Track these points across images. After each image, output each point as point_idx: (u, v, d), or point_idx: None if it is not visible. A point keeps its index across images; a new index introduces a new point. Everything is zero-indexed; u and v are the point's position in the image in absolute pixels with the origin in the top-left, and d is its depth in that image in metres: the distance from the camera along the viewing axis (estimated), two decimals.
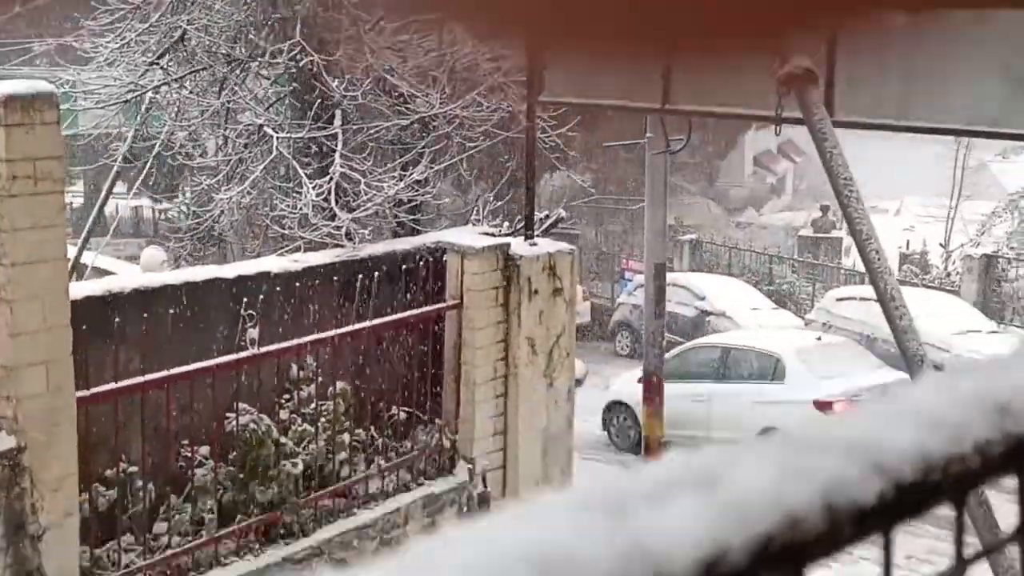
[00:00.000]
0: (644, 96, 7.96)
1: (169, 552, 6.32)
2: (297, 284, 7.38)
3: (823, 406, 16.37)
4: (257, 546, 6.74)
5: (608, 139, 27.73)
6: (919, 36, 6.65)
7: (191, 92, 9.00)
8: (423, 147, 8.67)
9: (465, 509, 7.98)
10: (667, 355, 19.60)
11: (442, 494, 8.09)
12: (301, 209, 7.96)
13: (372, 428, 7.91)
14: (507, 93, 9.20)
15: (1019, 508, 0.81)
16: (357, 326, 7.56)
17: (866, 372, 17.43)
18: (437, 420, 8.35)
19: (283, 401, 7.24)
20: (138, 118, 10.37)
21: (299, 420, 7.18)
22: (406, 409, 8.14)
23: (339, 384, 7.48)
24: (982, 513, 5.43)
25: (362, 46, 8.49)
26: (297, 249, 8.28)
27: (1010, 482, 0.85)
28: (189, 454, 6.58)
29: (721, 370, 17.63)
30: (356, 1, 8.36)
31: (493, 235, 8.73)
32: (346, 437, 7.51)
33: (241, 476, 6.76)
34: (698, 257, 30.71)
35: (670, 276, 15.17)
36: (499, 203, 9.63)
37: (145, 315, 6.16)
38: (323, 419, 7.30)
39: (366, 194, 8.24)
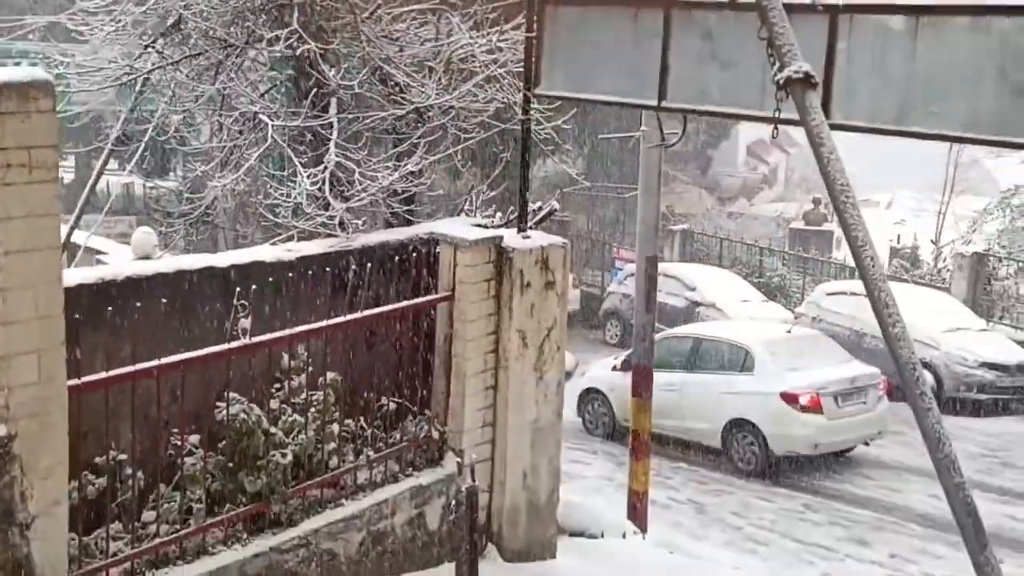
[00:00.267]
0: (641, 93, 7.96)
1: (157, 541, 6.31)
2: (290, 274, 7.36)
3: (790, 398, 16.61)
4: (244, 536, 6.74)
5: (601, 124, 27.79)
6: (918, 42, 6.66)
7: (186, 76, 8.95)
8: (418, 138, 8.64)
9: (453, 503, 7.99)
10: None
11: (430, 485, 8.11)
12: (295, 198, 7.93)
13: (362, 419, 7.91)
14: (503, 84, 9.16)
15: None
16: (349, 316, 7.56)
17: (834, 365, 17.70)
18: (427, 411, 8.37)
19: (273, 391, 7.23)
20: (132, 99, 10.31)
21: (289, 410, 7.17)
22: (396, 400, 8.15)
23: (330, 374, 7.47)
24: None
25: (359, 35, 8.44)
26: (290, 238, 8.26)
27: None
28: (179, 443, 6.56)
29: (693, 360, 17.84)
30: None
31: (486, 227, 8.73)
32: (335, 427, 7.52)
33: (230, 465, 6.76)
34: (689, 247, 30.78)
35: (661, 266, 15.20)
36: (492, 193, 9.60)
37: (138, 304, 6.14)
38: (313, 409, 7.29)
39: (360, 184, 8.21)
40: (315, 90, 8.51)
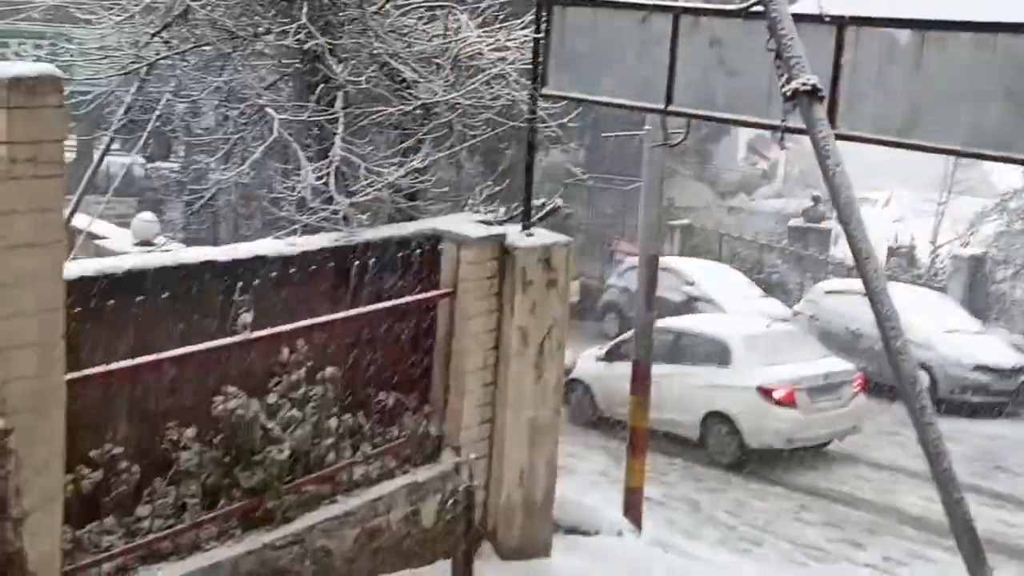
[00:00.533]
0: (647, 96, 7.95)
1: (151, 536, 6.31)
2: (292, 268, 7.35)
3: (765, 392, 16.75)
4: (238, 532, 6.74)
5: (603, 118, 27.73)
6: (924, 56, 6.66)
7: (193, 67, 8.93)
8: (424, 134, 8.63)
9: (450, 502, 7.99)
10: (623, 336, 19.97)
11: (426, 482, 8.11)
12: (299, 192, 7.92)
13: (360, 414, 7.90)
14: (509, 82, 9.15)
15: None
16: (350, 312, 7.56)
17: (811, 360, 17.86)
18: (425, 407, 8.37)
19: (272, 385, 7.22)
20: (137, 85, 10.29)
21: (287, 405, 7.16)
22: (395, 395, 8.14)
23: (329, 370, 7.47)
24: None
25: (367, 30, 8.43)
26: (293, 232, 8.25)
27: None
28: (175, 437, 6.56)
29: (674, 353, 17.94)
30: None
31: (489, 223, 8.73)
32: (333, 423, 7.51)
33: (226, 460, 6.76)
34: (689, 242, 30.73)
35: (660, 260, 15.21)
36: (496, 188, 9.59)
37: (138, 298, 6.14)
38: (311, 404, 7.29)
39: (366, 179, 8.20)
40: (322, 84, 8.49)
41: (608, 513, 10.91)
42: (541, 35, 8.34)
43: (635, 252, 16.68)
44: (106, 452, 6.16)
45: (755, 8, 6.28)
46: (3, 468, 5.30)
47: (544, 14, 8.34)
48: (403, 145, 8.88)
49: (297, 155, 8.21)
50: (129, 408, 6.24)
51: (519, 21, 9.34)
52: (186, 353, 6.39)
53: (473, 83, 8.89)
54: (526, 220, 8.80)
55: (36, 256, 5.27)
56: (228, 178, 8.51)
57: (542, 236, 8.81)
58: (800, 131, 6.15)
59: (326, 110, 8.48)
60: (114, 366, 5.96)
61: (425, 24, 9.12)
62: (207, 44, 8.86)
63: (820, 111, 5.93)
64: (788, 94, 5.86)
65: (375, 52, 8.61)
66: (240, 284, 6.81)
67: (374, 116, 8.72)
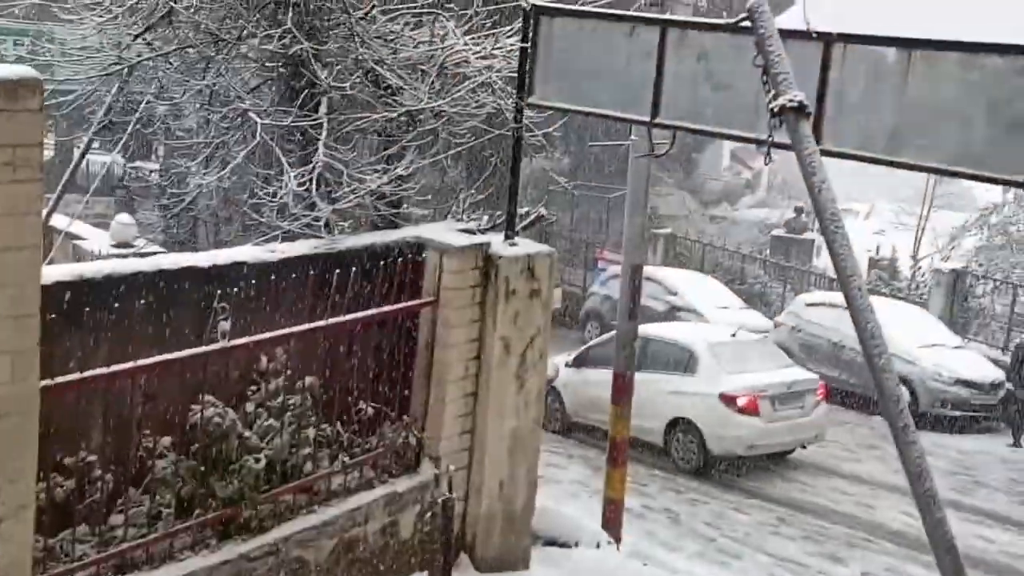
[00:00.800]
0: (634, 108, 7.91)
1: (124, 545, 6.22)
2: (272, 275, 7.28)
3: (728, 399, 16.98)
4: (213, 542, 6.67)
5: (588, 126, 27.73)
6: (910, 75, 6.65)
7: (176, 69, 8.85)
8: (409, 141, 8.57)
9: (429, 514, 7.93)
10: (592, 341, 20.03)
11: (405, 493, 8.04)
12: (281, 197, 7.85)
13: (339, 423, 7.84)
14: (495, 91, 9.10)
15: None
16: (331, 320, 7.48)
17: (774, 370, 18.05)
18: (405, 417, 8.30)
19: (250, 393, 7.16)
20: (118, 86, 10.20)
21: (265, 414, 7.09)
22: (374, 405, 8.07)
23: (308, 378, 7.40)
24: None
25: (353, 35, 8.37)
26: (274, 238, 8.17)
27: None
28: (151, 445, 6.48)
29: (641, 360, 17.96)
30: None
31: (473, 232, 8.68)
32: (311, 432, 7.44)
33: (202, 469, 6.68)
34: (672, 251, 30.75)
35: (644, 270, 15.20)
36: (481, 196, 9.54)
37: (116, 304, 6.06)
38: (289, 413, 7.22)
39: (348, 185, 8.14)
40: (306, 89, 8.43)
41: (587, 524, 10.84)
42: (528, 44, 8.29)
43: (618, 260, 16.68)
44: (80, 460, 6.09)
45: (743, 23, 6.25)
46: None
47: (531, 23, 8.29)
48: (387, 152, 8.82)
49: (279, 160, 8.13)
50: (104, 416, 6.16)
51: (506, 30, 9.29)
52: (163, 361, 6.31)
53: (459, 91, 8.84)
54: (510, 229, 8.75)
55: (12, 260, 5.19)
56: (208, 182, 8.42)
57: (525, 245, 8.77)
58: (786, 147, 6.11)
59: (310, 115, 8.42)
60: (89, 373, 5.88)
61: (411, 31, 9.06)
62: (190, 46, 8.78)
63: (806, 128, 5.89)
64: (775, 110, 5.83)
65: (360, 58, 8.55)
66: (219, 291, 6.72)
67: (358, 122, 8.66)
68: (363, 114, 8.64)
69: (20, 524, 5.45)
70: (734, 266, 29.84)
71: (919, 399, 21.26)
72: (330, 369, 7.68)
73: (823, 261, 30.20)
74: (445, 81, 8.96)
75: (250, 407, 7.06)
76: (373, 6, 8.63)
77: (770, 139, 6.21)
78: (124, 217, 14.33)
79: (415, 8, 8.99)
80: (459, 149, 9.09)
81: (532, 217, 9.43)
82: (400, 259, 8.02)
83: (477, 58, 8.91)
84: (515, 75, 8.65)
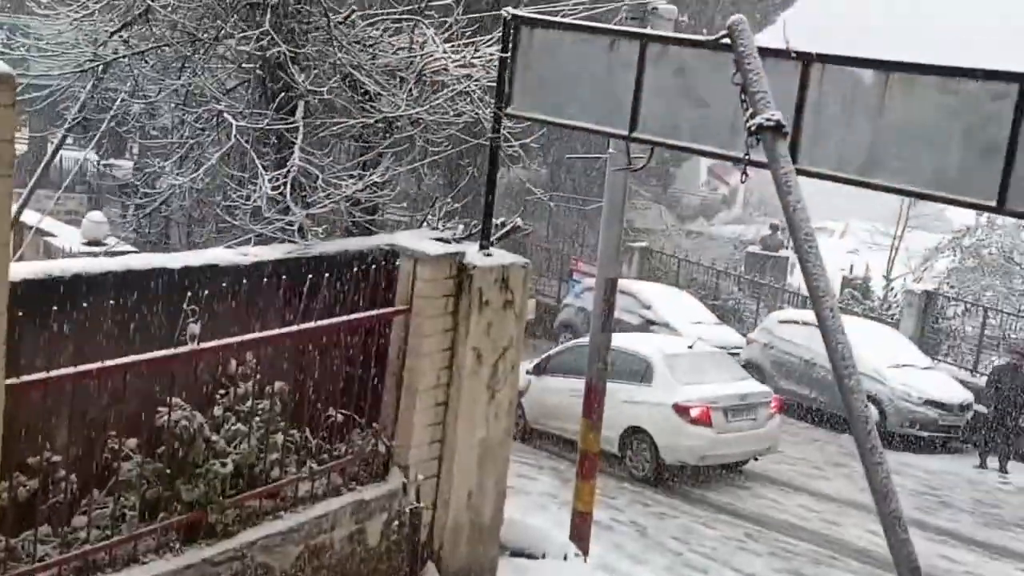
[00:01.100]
0: (612, 121, 7.91)
1: (87, 547, 6.16)
2: (244, 279, 7.23)
3: (681, 410, 17.27)
4: (178, 545, 6.60)
5: (566, 137, 27.78)
6: (887, 97, 6.68)
7: (152, 67, 8.80)
8: (385, 148, 8.54)
9: (396, 522, 7.89)
10: (552, 350, 20.11)
11: (372, 500, 7.99)
12: (255, 201, 7.80)
13: (307, 429, 7.79)
14: (473, 99, 9.09)
15: None
16: (302, 326, 7.43)
17: (728, 382, 18.27)
18: (375, 424, 8.26)
19: (218, 397, 7.10)
20: (92, 83, 10.13)
21: (233, 418, 7.04)
22: (344, 412, 8.03)
23: (277, 384, 7.35)
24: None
25: (331, 39, 8.33)
26: (247, 241, 8.12)
27: None
28: (116, 446, 6.42)
29: None
30: None
31: (447, 240, 8.65)
32: (279, 437, 7.39)
33: (168, 472, 6.62)
34: (647, 265, 30.80)
35: (618, 283, 15.22)
36: (457, 205, 9.52)
37: (84, 304, 6.00)
38: (257, 418, 7.17)
39: (323, 190, 8.10)
40: (283, 92, 8.38)
41: (555, 536, 10.82)
42: (507, 54, 8.28)
43: (594, 272, 16.71)
44: (45, 460, 6.02)
45: (723, 41, 6.26)
46: None
47: (511, 33, 8.28)
48: (363, 158, 8.78)
49: (254, 163, 8.09)
50: (70, 416, 6.09)
51: (486, 39, 9.28)
52: (131, 362, 6.25)
53: (437, 98, 8.82)
54: (485, 239, 8.73)
55: None
56: (182, 183, 8.36)
57: (500, 256, 8.75)
58: (762, 165, 6.14)
59: (286, 119, 8.38)
60: (56, 373, 5.81)
61: (391, 36, 9.04)
62: (167, 45, 8.73)
63: (783, 147, 5.92)
64: (752, 129, 5.86)
65: (338, 62, 8.52)
66: (190, 293, 6.67)
67: (335, 127, 8.62)
68: (340, 119, 8.60)
69: None
70: (709, 281, 29.92)
71: (888, 418, 21.39)
72: (300, 375, 7.63)
73: (797, 279, 30.30)
74: (423, 88, 8.94)
75: (218, 411, 7.01)
76: (353, 10, 8.60)
77: (746, 157, 6.24)
78: (96, 215, 14.23)
79: (395, 14, 8.97)
80: (436, 157, 9.07)
81: (508, 227, 9.40)
82: (374, 266, 7.99)
83: (456, 66, 8.90)
84: (494, 85, 8.65)
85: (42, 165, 12.44)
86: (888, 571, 10.47)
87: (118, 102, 9.31)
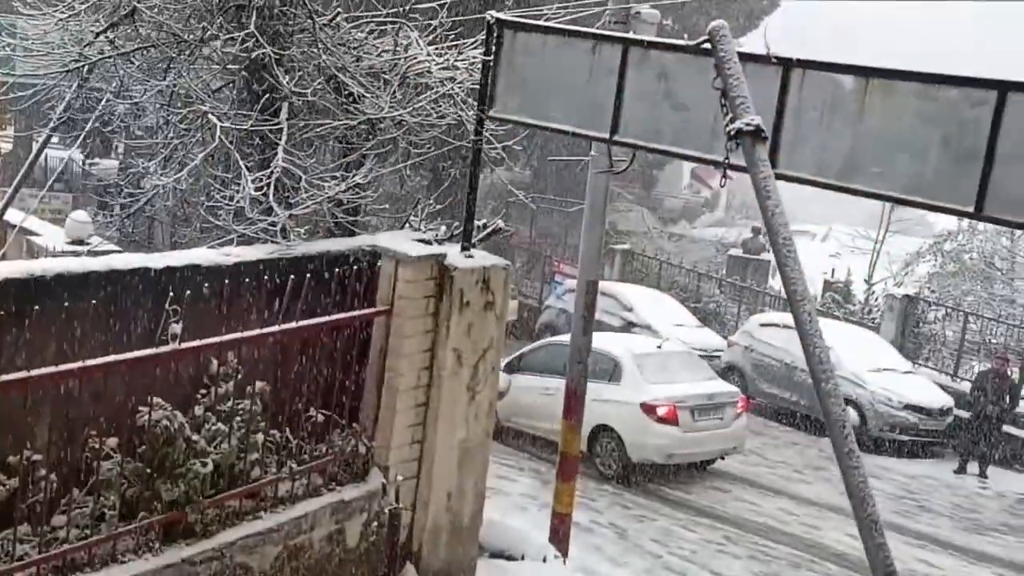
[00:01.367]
0: (593, 125, 7.96)
1: (66, 546, 6.17)
2: (227, 279, 7.25)
3: (648, 409, 17.49)
4: (157, 545, 6.62)
5: (549, 139, 27.84)
6: (867, 103, 6.74)
7: (137, 68, 8.80)
8: (368, 149, 8.57)
9: (376, 523, 7.91)
10: (525, 349, 20.19)
11: (352, 501, 8.02)
12: (238, 201, 7.81)
13: (288, 429, 7.81)
14: (456, 102, 9.12)
15: None
16: (283, 326, 7.45)
17: (696, 381, 18.54)
18: (355, 425, 8.29)
19: (199, 396, 7.12)
20: (78, 83, 10.12)
21: (213, 418, 7.05)
22: (325, 412, 8.05)
23: (258, 384, 7.37)
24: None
25: (316, 41, 8.36)
26: (229, 242, 8.14)
27: None
28: (97, 446, 6.42)
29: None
30: None
31: (429, 242, 8.68)
32: (260, 437, 7.40)
33: (148, 472, 6.63)
34: (629, 267, 30.87)
35: (600, 285, 15.28)
36: (439, 207, 9.55)
37: (66, 303, 6.01)
38: (238, 418, 7.18)
39: (306, 191, 8.12)
40: (267, 94, 8.40)
41: (534, 538, 10.87)
42: (490, 57, 8.32)
43: (575, 275, 16.77)
44: (25, 459, 6.02)
45: (704, 45, 6.31)
46: None
47: (494, 36, 8.32)
48: (346, 159, 8.80)
49: (238, 164, 8.10)
50: (51, 415, 6.10)
51: (469, 42, 9.32)
52: (112, 361, 6.26)
53: (420, 101, 8.85)
54: (466, 241, 8.77)
55: None
56: (166, 183, 8.37)
57: (482, 257, 8.79)
58: (742, 169, 6.19)
59: (270, 120, 8.40)
60: (37, 372, 5.82)
61: (375, 39, 9.06)
62: (152, 46, 8.73)
63: (762, 151, 5.97)
64: (732, 133, 5.91)
65: (323, 64, 8.54)
66: (172, 293, 6.68)
67: (318, 128, 8.65)
68: (324, 120, 8.63)
69: None
70: (690, 284, 30.00)
71: (868, 422, 21.48)
72: (281, 375, 7.65)
73: (778, 282, 30.39)
74: (407, 90, 8.97)
75: (199, 411, 7.02)
76: (338, 13, 8.63)
77: (726, 161, 6.29)
78: (80, 214, 14.21)
79: (379, 16, 8.99)
80: (419, 159, 9.10)
81: (489, 229, 9.44)
82: (355, 267, 8.01)
83: (439, 69, 8.93)
84: (477, 87, 8.69)
85: (26, 164, 12.44)
86: (866, 575, 10.55)
87: (103, 102, 9.31)
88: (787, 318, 22.20)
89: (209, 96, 8.84)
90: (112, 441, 6.49)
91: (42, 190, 17.15)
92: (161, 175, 8.52)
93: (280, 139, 8.25)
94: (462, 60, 9.04)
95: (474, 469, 9.01)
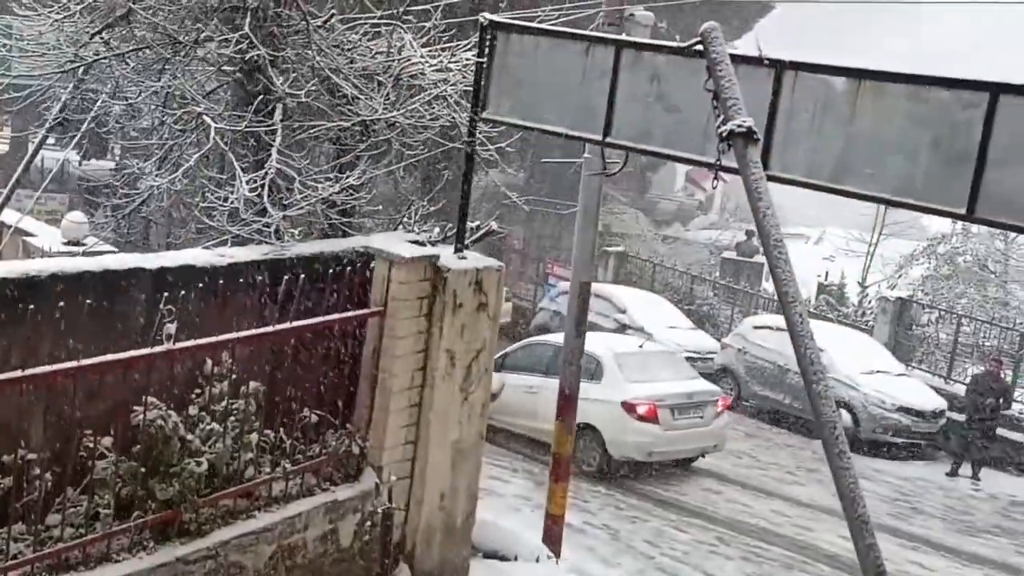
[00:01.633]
0: (586, 126, 7.99)
1: (60, 545, 6.19)
2: (221, 280, 7.28)
3: (628, 407, 17.67)
4: (151, 544, 6.64)
5: (543, 141, 27.84)
6: (858, 105, 6.78)
7: (132, 69, 8.83)
8: (362, 151, 8.60)
9: (369, 523, 7.93)
10: (509, 348, 20.27)
11: (345, 501, 8.05)
12: (232, 202, 7.84)
13: (282, 429, 7.83)
14: (450, 103, 9.15)
15: None
16: (277, 327, 7.48)
17: (676, 380, 18.73)
18: (348, 425, 8.31)
19: (194, 396, 7.14)
20: (73, 83, 10.15)
21: (208, 418, 7.08)
22: (318, 412, 8.08)
23: (252, 384, 7.39)
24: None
25: (310, 43, 8.38)
26: (224, 242, 8.16)
27: None
28: (91, 445, 6.45)
29: (552, 366, 18.54)
30: None
31: (423, 243, 8.71)
32: (254, 437, 7.43)
33: (143, 471, 6.66)
34: (623, 269, 30.91)
35: (593, 287, 15.33)
36: (432, 209, 9.58)
37: (61, 303, 6.03)
38: (232, 418, 7.21)
39: (300, 193, 8.15)
40: (261, 95, 8.43)
41: (527, 538, 10.89)
42: (483, 59, 8.35)
43: (569, 277, 16.82)
44: (19, 458, 6.04)
45: (697, 47, 6.35)
46: None
47: (488, 38, 8.35)
48: (340, 160, 8.83)
49: (232, 165, 8.13)
50: (46, 414, 6.13)
51: (463, 44, 9.35)
52: (106, 361, 6.28)
53: (414, 102, 8.88)
54: (459, 242, 8.80)
55: None
56: (160, 184, 8.40)
57: (475, 259, 8.82)
58: (734, 171, 6.22)
59: (264, 121, 8.43)
60: (31, 371, 5.85)
61: (369, 40, 9.09)
62: (147, 47, 8.76)
63: (754, 153, 6.01)
64: (723, 135, 5.94)
65: (316, 65, 8.58)
66: (166, 293, 6.71)
67: (312, 130, 8.68)
68: (317, 122, 8.66)
69: None
70: (684, 286, 30.05)
71: (860, 424, 21.52)
72: (275, 375, 7.67)
73: (771, 285, 30.42)
74: (400, 92, 9.00)
75: (193, 410, 7.05)
76: (332, 14, 8.66)
77: (718, 162, 6.32)
78: (76, 215, 14.22)
79: (373, 18, 9.02)
80: (412, 160, 9.13)
81: (483, 231, 9.47)
82: (349, 268, 8.04)
83: (433, 71, 8.97)
84: (470, 89, 8.72)
85: (22, 165, 12.46)
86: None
87: (99, 103, 9.33)
88: (780, 320, 22.11)
89: (204, 97, 8.87)
90: (107, 440, 6.52)
91: (38, 191, 17.16)
92: (156, 176, 8.54)
93: (274, 140, 8.28)
94: (455, 62, 9.07)
95: (467, 470, 9.04)
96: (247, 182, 7.90)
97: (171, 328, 6.65)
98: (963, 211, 6.59)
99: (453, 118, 9.31)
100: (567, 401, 13.22)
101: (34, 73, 9.08)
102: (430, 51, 9.16)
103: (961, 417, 21.41)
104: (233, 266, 7.52)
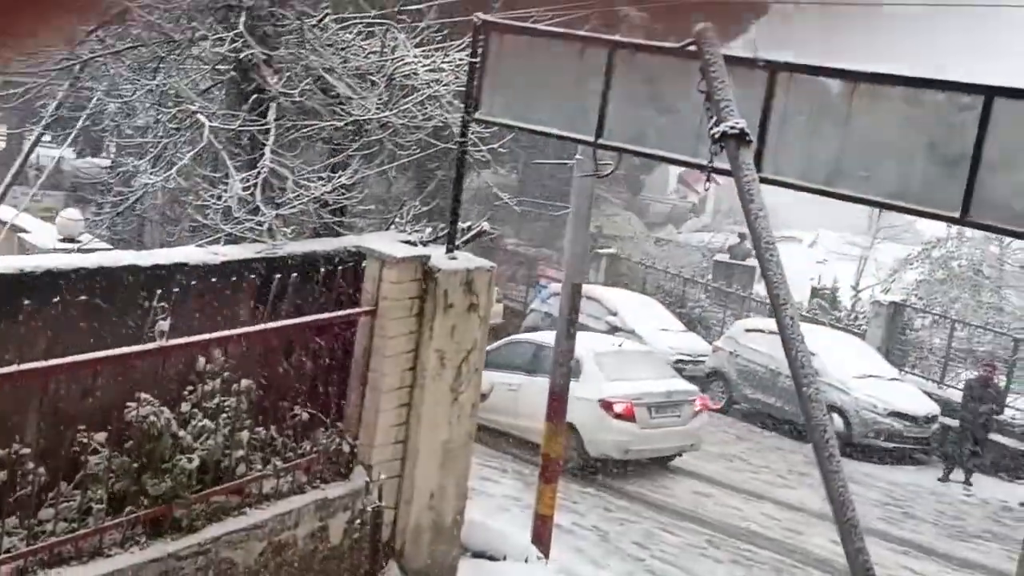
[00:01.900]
0: (579, 127, 8.01)
1: (53, 539, 6.20)
2: (213, 278, 7.29)
3: (606, 405, 17.86)
4: (143, 539, 6.65)
5: (535, 143, 27.84)
6: (853, 107, 6.80)
7: (127, 67, 8.84)
8: (355, 150, 8.61)
9: (359, 521, 7.95)
10: (491, 346, 20.33)
11: (336, 499, 8.06)
12: (226, 201, 7.86)
13: (273, 427, 7.85)
14: (443, 104, 9.17)
15: None
16: (269, 325, 7.50)
17: (655, 379, 18.89)
18: (339, 424, 8.33)
19: (186, 393, 7.15)
20: (69, 82, 10.15)
21: (200, 415, 7.09)
22: (309, 410, 8.09)
23: (244, 381, 7.41)
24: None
25: (304, 42, 8.41)
26: (217, 241, 8.18)
27: None
28: (85, 440, 6.46)
29: (533, 364, 18.67)
30: None
31: (414, 243, 8.73)
32: (245, 434, 7.45)
33: (135, 467, 6.67)
34: (614, 271, 30.93)
35: (584, 288, 15.37)
36: (424, 209, 9.60)
37: (55, 299, 6.04)
38: (224, 415, 7.22)
39: (293, 192, 8.16)
40: (255, 94, 8.44)
41: (516, 538, 10.92)
42: (476, 59, 8.37)
43: (561, 278, 16.86)
44: (13, 452, 6.05)
45: (690, 48, 6.37)
46: None
47: (481, 38, 8.37)
48: (333, 160, 8.85)
49: (226, 164, 8.15)
50: (39, 409, 6.14)
51: (456, 44, 9.37)
52: (100, 357, 6.30)
53: (407, 102, 8.90)
54: (451, 243, 8.82)
55: None
56: (155, 182, 8.41)
57: (466, 259, 8.84)
58: (726, 172, 6.24)
59: (258, 120, 8.44)
60: (25, 367, 5.86)
61: (363, 40, 9.11)
62: (143, 45, 8.77)
63: (747, 155, 6.03)
64: (716, 136, 5.97)
65: (310, 65, 8.60)
66: (160, 290, 6.73)
67: (306, 129, 8.69)
68: (311, 121, 8.67)
69: None
70: (676, 289, 30.08)
71: (852, 429, 21.52)
72: (267, 373, 7.69)
73: (763, 288, 30.39)
74: (393, 92, 9.02)
75: (185, 407, 7.06)
76: (326, 14, 8.68)
77: (711, 164, 6.34)
78: (71, 212, 14.23)
79: (367, 18, 9.04)
80: (405, 160, 9.14)
81: (474, 231, 9.49)
82: (340, 267, 8.06)
83: (426, 71, 8.98)
84: (463, 89, 8.74)
85: (18, 162, 12.45)
86: None
87: (94, 101, 9.34)
88: (772, 324, 22.22)
89: (198, 96, 8.88)
90: (100, 436, 6.53)
91: (33, 188, 17.12)
92: (151, 174, 8.56)
93: (268, 139, 8.29)
94: (448, 62, 9.10)
95: (456, 469, 9.06)
96: (240, 181, 7.92)
97: (164, 325, 6.66)
98: (957, 214, 6.61)
99: (446, 119, 9.33)
100: (557, 402, 13.23)
101: (30, 71, 9.07)
102: (423, 51, 9.18)
103: (954, 422, 21.43)
104: (226, 264, 7.54)
